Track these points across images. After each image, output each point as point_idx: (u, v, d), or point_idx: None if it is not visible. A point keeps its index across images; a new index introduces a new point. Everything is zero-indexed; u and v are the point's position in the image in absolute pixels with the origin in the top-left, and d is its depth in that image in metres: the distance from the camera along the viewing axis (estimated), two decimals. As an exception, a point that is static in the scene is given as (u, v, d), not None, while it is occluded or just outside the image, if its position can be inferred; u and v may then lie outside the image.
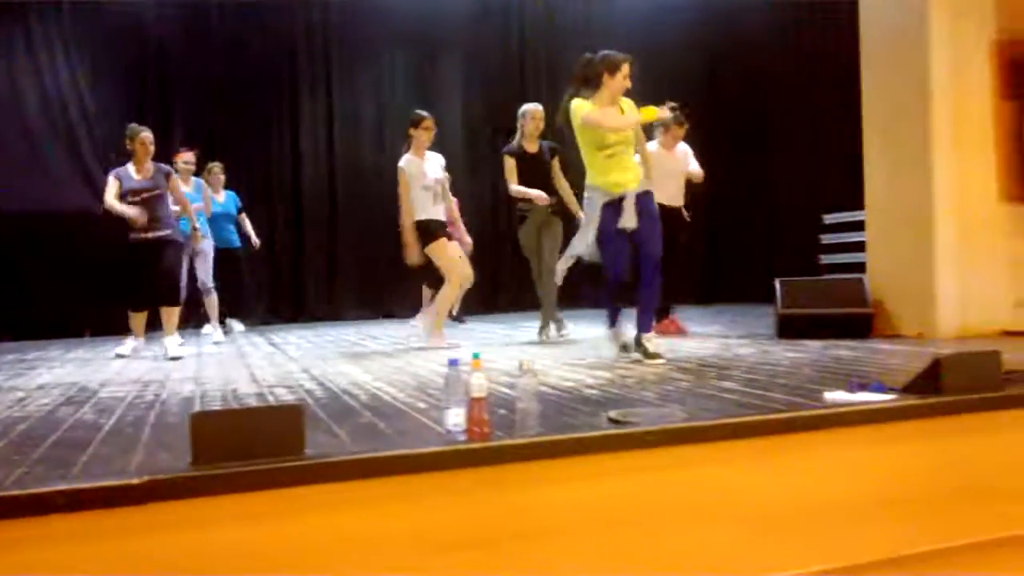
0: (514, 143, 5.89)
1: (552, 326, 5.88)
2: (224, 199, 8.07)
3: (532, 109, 5.86)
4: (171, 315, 5.59)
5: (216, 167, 8.02)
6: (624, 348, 4.52)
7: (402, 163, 5.61)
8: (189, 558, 1.92)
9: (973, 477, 2.70)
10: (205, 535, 1.94)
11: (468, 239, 7.32)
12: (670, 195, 5.80)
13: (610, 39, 10.45)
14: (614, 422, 2.56)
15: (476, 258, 6.98)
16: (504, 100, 8.94)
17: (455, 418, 2.28)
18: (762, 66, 9.59)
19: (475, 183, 9.65)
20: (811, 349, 4.61)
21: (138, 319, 5.74)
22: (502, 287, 9.93)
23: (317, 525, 2.03)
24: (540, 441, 2.27)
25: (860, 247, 5.82)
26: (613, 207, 4.36)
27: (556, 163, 5.88)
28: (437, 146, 9.82)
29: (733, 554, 2.40)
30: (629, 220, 4.34)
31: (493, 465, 2.22)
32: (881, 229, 5.44)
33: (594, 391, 3.28)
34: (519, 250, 6.03)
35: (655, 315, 5.22)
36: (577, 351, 5.01)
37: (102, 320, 8.17)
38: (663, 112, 4.50)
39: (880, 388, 2.95)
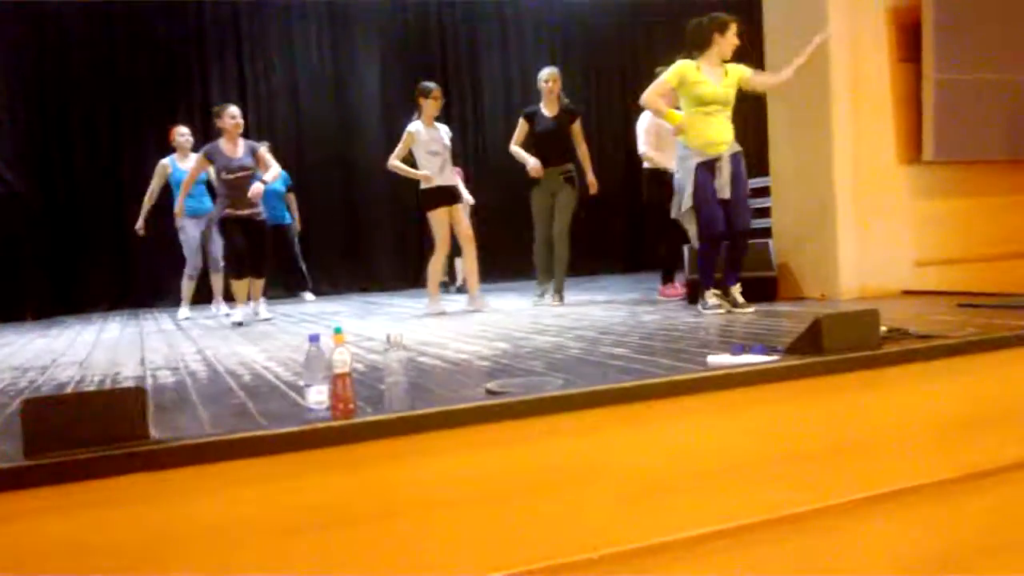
0: (532, 105, 5.98)
1: (548, 291, 5.96)
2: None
3: (548, 72, 5.91)
4: (258, 286, 6.01)
5: (263, 146, 7.94)
6: (707, 305, 4.72)
7: (411, 127, 5.77)
8: (17, 553, 1.81)
9: (851, 435, 2.73)
10: (35, 528, 1.83)
11: (468, 197, 7.79)
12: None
13: (522, 12, 10.52)
14: (491, 393, 2.51)
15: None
16: (423, 74, 8.79)
17: (317, 395, 2.20)
18: (665, 28, 9.58)
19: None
20: (724, 311, 4.63)
21: (241, 287, 5.87)
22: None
23: (158, 514, 1.93)
24: (405, 416, 2.19)
25: (769, 212, 5.87)
26: (707, 167, 4.58)
27: (576, 127, 5.94)
28: (358, 116, 9.78)
29: (611, 523, 2.37)
30: (724, 188, 4.57)
31: (356, 443, 2.15)
32: (784, 193, 5.49)
33: (486, 363, 3.23)
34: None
35: (662, 278, 6.11)
36: (504, 320, 4.95)
37: (5, 305, 7.90)
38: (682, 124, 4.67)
39: (762, 350, 2.95)
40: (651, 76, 6.06)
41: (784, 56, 5.23)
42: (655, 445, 2.47)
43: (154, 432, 2.25)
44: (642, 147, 6.07)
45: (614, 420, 2.43)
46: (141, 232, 7.00)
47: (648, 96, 4.77)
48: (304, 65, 9.67)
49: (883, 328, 3.06)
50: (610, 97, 10.86)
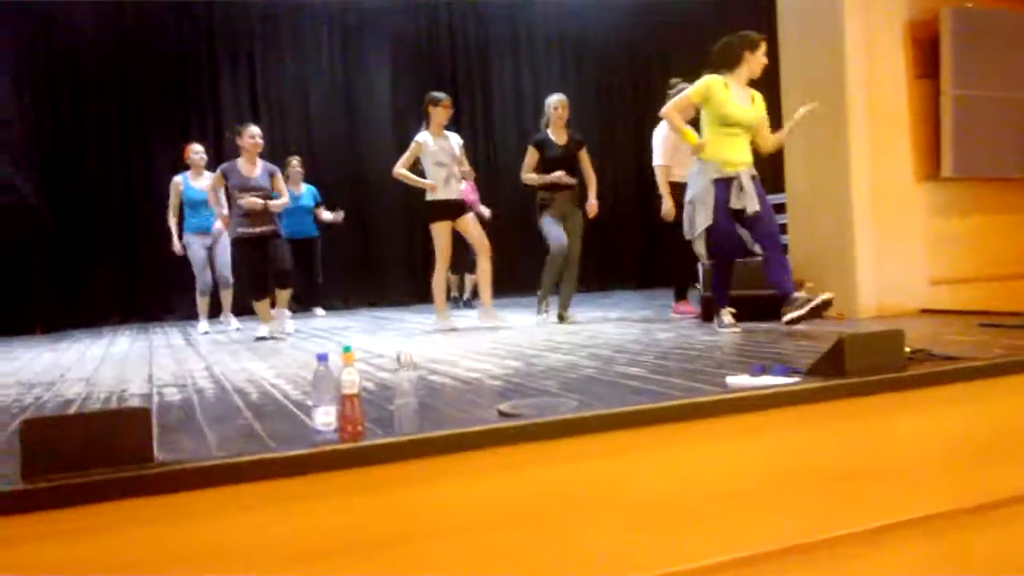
0: (540, 133, 5.93)
1: (553, 309, 5.93)
2: (303, 191, 8.22)
3: (556, 99, 5.90)
4: (284, 297, 6.01)
5: (294, 160, 8.20)
6: (723, 324, 4.64)
7: (418, 136, 5.76)
8: (15, 581, 1.75)
9: (874, 460, 2.64)
10: (33, 554, 1.77)
11: (485, 211, 7.99)
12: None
13: (534, 23, 10.51)
14: (503, 415, 2.44)
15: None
16: (434, 83, 8.78)
17: (325, 417, 2.14)
18: (683, 46, 9.55)
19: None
20: (739, 331, 4.55)
21: (261, 307, 5.83)
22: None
23: (162, 539, 1.87)
24: (415, 439, 2.12)
25: (785, 229, 5.80)
26: (724, 184, 4.46)
27: (583, 154, 5.92)
28: (368, 125, 9.76)
29: (625, 550, 2.30)
30: (751, 202, 4.42)
31: (365, 466, 2.08)
32: (800, 210, 5.41)
33: (497, 382, 3.16)
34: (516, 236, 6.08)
35: (675, 295, 6.06)
36: (515, 337, 4.88)
37: (12, 319, 7.89)
38: (700, 145, 4.57)
39: (783, 371, 2.88)
40: (664, 87, 6.04)
41: (799, 73, 5.19)
42: (672, 470, 2.40)
43: (159, 454, 2.20)
44: (657, 159, 6.00)
45: (630, 443, 2.36)
46: (180, 252, 6.96)
47: (669, 110, 4.67)
48: (315, 74, 9.69)
49: (906, 349, 2.98)
50: (623, 108, 10.82)
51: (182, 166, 7.15)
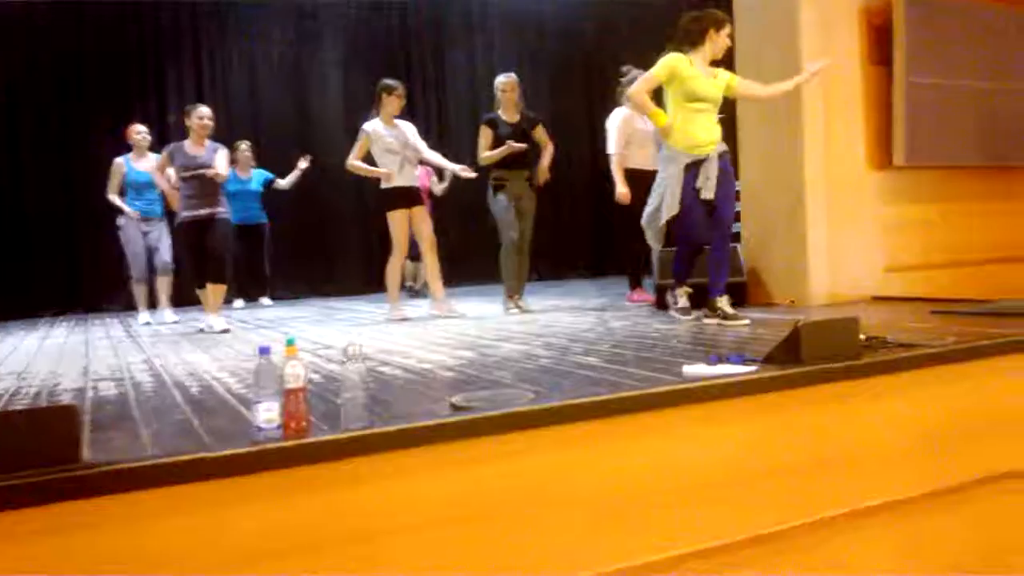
0: (491, 113, 5.79)
1: (516, 298, 5.75)
2: (251, 176, 8.05)
3: (504, 80, 5.75)
4: (219, 292, 5.64)
5: (243, 145, 7.99)
6: (683, 311, 4.55)
7: (365, 125, 5.64)
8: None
9: (832, 448, 2.62)
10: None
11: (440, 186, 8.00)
12: (649, 159, 5.75)
13: (488, 16, 10.40)
14: (456, 408, 2.35)
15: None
16: (386, 69, 8.60)
17: (267, 413, 2.02)
18: (639, 29, 9.53)
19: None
20: (684, 320, 4.52)
21: (205, 294, 5.61)
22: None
23: (91, 545, 1.74)
24: (362, 435, 2.03)
25: (739, 216, 5.79)
26: (695, 168, 4.35)
27: (539, 132, 5.81)
28: (319, 119, 9.56)
29: (585, 544, 2.23)
30: (709, 190, 4.32)
31: (310, 464, 1.98)
32: (753, 196, 5.40)
33: (451, 373, 3.07)
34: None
35: (629, 283, 5.93)
36: (468, 327, 4.79)
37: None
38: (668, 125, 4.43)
39: (739, 359, 2.84)
40: (616, 74, 5.98)
41: (753, 57, 5.17)
42: (630, 461, 2.33)
43: (88, 454, 2.07)
44: (612, 147, 5.94)
45: (587, 435, 2.29)
46: (134, 215, 6.65)
47: (637, 93, 4.44)
48: (264, 60, 9.44)
49: (861, 336, 2.96)
50: (577, 93, 10.76)
51: (124, 148, 6.88)
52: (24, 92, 8.40)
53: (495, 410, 2.22)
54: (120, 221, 6.65)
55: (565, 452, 2.26)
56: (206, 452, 1.91)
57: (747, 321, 4.25)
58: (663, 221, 4.51)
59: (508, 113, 5.77)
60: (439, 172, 7.76)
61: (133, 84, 8.86)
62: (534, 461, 2.23)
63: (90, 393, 3.06)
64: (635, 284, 6.04)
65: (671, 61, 4.37)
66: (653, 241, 5.07)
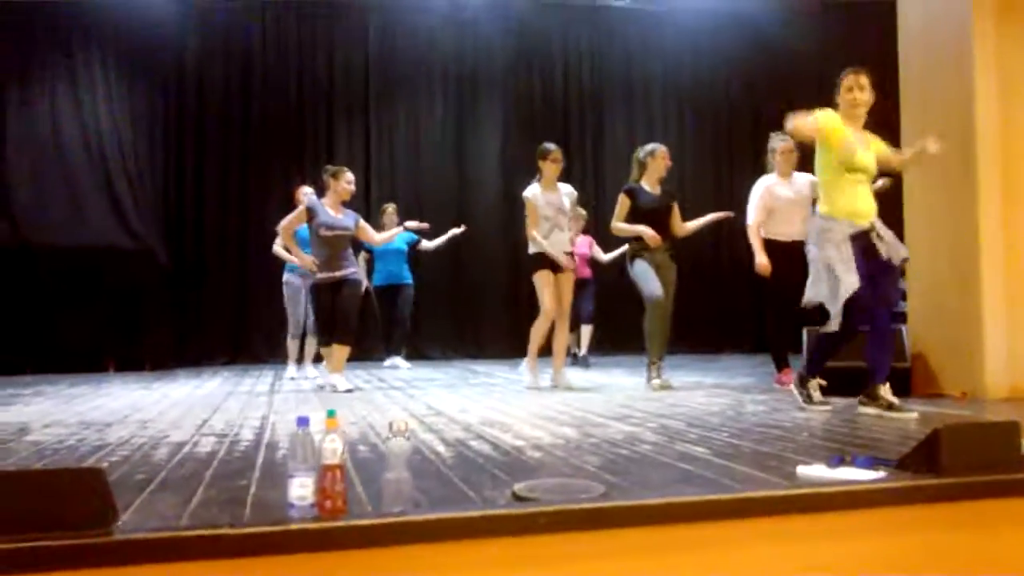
0: (633, 181, 5.66)
1: (657, 371, 5.44)
2: (397, 238, 8.18)
3: (660, 148, 5.64)
4: (343, 352, 5.65)
5: (390, 207, 8.27)
6: (810, 399, 4.12)
7: (527, 192, 5.65)
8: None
9: (972, 582, 2.16)
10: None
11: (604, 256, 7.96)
12: (795, 229, 5.27)
13: (652, 81, 10.30)
14: (516, 498, 2.13)
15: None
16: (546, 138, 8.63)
17: (300, 489, 1.89)
18: (804, 98, 9.06)
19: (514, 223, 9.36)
20: (831, 408, 4.06)
21: (329, 353, 5.73)
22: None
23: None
24: (393, 522, 1.85)
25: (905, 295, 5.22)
26: (858, 240, 3.87)
27: (676, 209, 5.65)
28: (478, 184, 9.73)
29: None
30: (895, 254, 3.87)
31: (339, 550, 1.82)
32: (923, 274, 4.85)
33: (538, 454, 2.84)
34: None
35: (776, 363, 5.44)
36: (591, 402, 4.55)
37: (126, 355, 8.18)
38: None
39: (868, 463, 2.43)
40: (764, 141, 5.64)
41: (918, 115, 4.71)
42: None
43: (131, 517, 2.02)
44: (750, 216, 5.54)
45: (662, 542, 2.00)
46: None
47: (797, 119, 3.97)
48: (428, 126, 9.74)
49: (1025, 445, 2.48)
50: (739, 163, 10.36)
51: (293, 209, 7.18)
52: (211, 161, 9.11)
53: (553, 504, 1.99)
54: (286, 278, 6.90)
55: (634, 560, 1.97)
56: (229, 528, 1.80)
57: (915, 414, 3.73)
58: (841, 303, 3.85)
59: (652, 183, 5.56)
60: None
61: (307, 150, 9.38)
62: (597, 568, 1.96)
63: (186, 449, 3.08)
64: (783, 365, 5.53)
65: (828, 116, 3.91)
66: (835, 323, 4.13)
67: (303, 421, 1.95)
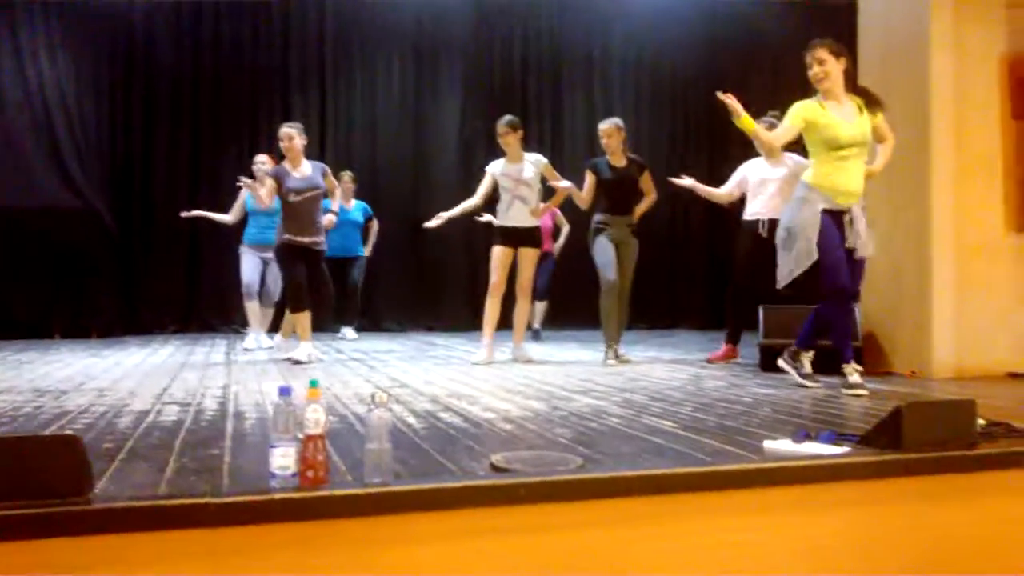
0: (598, 157, 5.72)
1: (614, 352, 5.44)
2: (353, 207, 8.14)
3: (605, 126, 5.63)
4: (307, 319, 5.54)
5: (347, 175, 8.05)
6: (809, 377, 4.17)
7: (491, 165, 5.72)
8: None
9: (932, 554, 2.25)
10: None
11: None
12: (777, 209, 5.23)
13: (610, 49, 10.29)
14: (495, 469, 2.15)
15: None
16: (504, 111, 8.59)
17: (282, 459, 1.88)
18: (760, 73, 9.22)
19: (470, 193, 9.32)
20: (786, 385, 4.16)
21: (301, 320, 5.53)
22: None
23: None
24: (378, 492, 1.86)
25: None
26: (832, 217, 3.93)
27: (645, 179, 5.66)
28: (435, 153, 9.65)
29: (624, 637, 1.97)
30: (862, 248, 3.96)
31: (320, 519, 1.82)
32: (877, 254, 4.92)
33: (510, 427, 2.86)
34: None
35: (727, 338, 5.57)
36: (553, 375, 4.59)
37: (72, 322, 7.98)
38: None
39: (831, 438, 2.51)
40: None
41: (877, 86, 4.79)
42: (685, 547, 2.06)
43: (106, 485, 2.00)
44: (722, 188, 5.65)
45: (637, 513, 2.04)
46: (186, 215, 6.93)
47: (769, 141, 4.05)
48: (385, 97, 9.62)
49: (981, 421, 2.58)
50: (697, 136, 10.45)
51: (249, 178, 7.07)
52: (160, 124, 8.83)
53: (534, 476, 2.01)
54: (241, 249, 6.81)
55: (609, 530, 2.01)
56: (211, 497, 1.78)
57: (867, 392, 3.84)
58: (798, 272, 3.98)
59: (615, 158, 5.59)
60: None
61: (261, 116, 9.18)
62: (575, 538, 2.00)
63: (150, 417, 3.03)
64: (732, 340, 5.62)
65: (801, 110, 3.95)
66: (782, 282, 4.20)
67: (285, 391, 1.93)
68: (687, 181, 5.53)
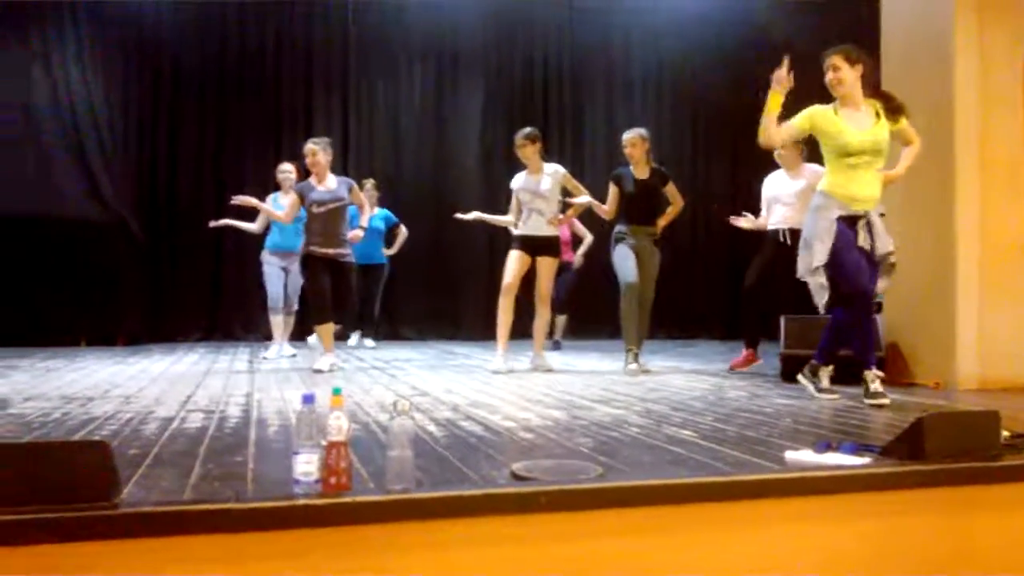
0: (621, 167, 5.73)
1: (634, 357, 5.42)
2: (375, 214, 8.10)
3: (629, 136, 5.63)
4: (331, 330, 5.57)
5: (369, 183, 8.06)
6: (828, 392, 4.14)
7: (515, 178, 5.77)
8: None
9: (952, 565, 2.23)
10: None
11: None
12: (794, 220, 5.27)
13: (631, 59, 10.30)
14: (515, 477, 2.16)
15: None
16: (524, 120, 8.60)
17: (305, 465, 1.90)
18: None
19: (493, 204, 9.35)
20: (807, 396, 4.14)
21: (324, 331, 5.55)
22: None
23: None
24: (401, 499, 1.88)
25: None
26: (847, 222, 3.91)
27: (670, 189, 5.69)
28: (454, 163, 9.70)
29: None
30: (881, 244, 3.94)
31: (343, 526, 1.84)
32: (900, 263, 4.86)
33: (530, 435, 2.88)
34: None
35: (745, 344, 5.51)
36: (573, 384, 4.59)
37: (98, 329, 8.09)
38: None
39: (853, 449, 2.50)
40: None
41: (899, 90, 4.77)
42: (704, 558, 2.06)
43: (132, 490, 2.03)
44: (762, 217, 5.65)
45: (658, 523, 2.04)
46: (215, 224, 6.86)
47: (770, 136, 4.03)
48: (407, 105, 9.69)
49: (1004, 433, 2.56)
50: (718, 148, 10.43)
51: (274, 187, 7.14)
52: (187, 133, 8.96)
53: (552, 484, 2.02)
54: (263, 256, 6.88)
55: (630, 540, 2.02)
56: (235, 503, 1.81)
57: (889, 401, 3.80)
58: (812, 268, 3.96)
59: (638, 168, 5.60)
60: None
61: (284, 126, 9.28)
62: (595, 546, 2.00)
63: (175, 424, 3.07)
64: (750, 345, 5.61)
65: (810, 113, 3.96)
66: (817, 296, 4.20)
67: (308, 398, 1.96)
68: (745, 222, 5.52)
